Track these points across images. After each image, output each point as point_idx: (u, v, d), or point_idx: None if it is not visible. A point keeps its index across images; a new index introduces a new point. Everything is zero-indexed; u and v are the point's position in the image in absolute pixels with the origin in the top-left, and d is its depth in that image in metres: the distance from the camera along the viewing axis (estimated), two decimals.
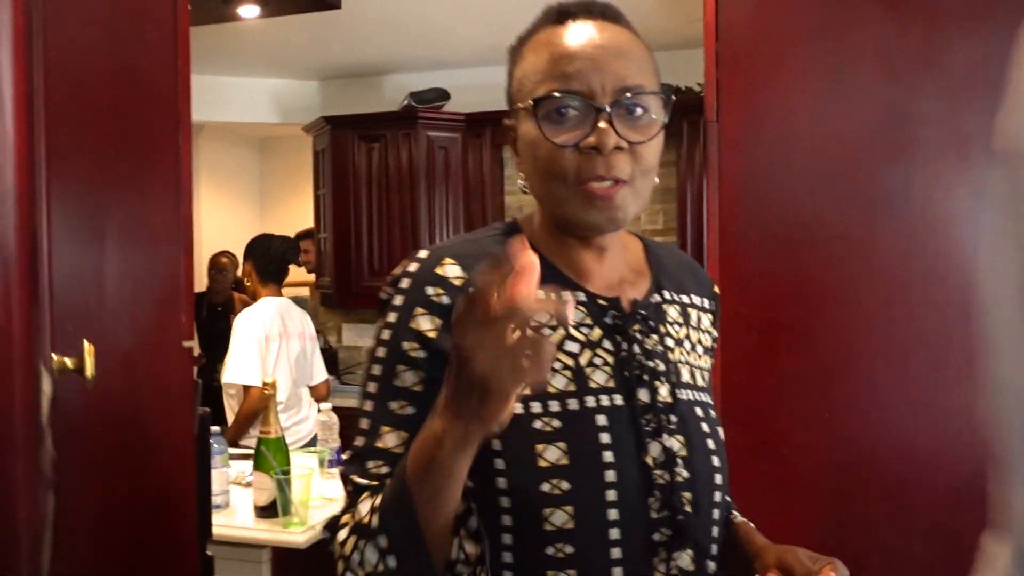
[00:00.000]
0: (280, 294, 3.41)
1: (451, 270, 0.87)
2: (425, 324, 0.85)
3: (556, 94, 0.84)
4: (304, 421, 3.38)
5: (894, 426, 1.52)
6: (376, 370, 0.87)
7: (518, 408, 0.82)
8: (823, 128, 1.55)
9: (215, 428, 2.41)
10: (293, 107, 5.03)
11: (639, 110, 0.85)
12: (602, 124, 0.83)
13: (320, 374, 3.56)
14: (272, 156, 6.33)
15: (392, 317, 0.87)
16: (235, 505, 2.39)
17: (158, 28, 1.54)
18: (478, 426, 0.71)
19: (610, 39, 0.86)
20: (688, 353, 0.95)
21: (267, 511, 2.22)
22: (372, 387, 0.87)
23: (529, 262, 0.65)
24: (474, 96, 4.56)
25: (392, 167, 4.43)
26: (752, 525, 1.02)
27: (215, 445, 2.30)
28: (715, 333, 1.03)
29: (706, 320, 1.01)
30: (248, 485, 2.46)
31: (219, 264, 4.78)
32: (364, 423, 0.87)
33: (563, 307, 0.66)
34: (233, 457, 2.64)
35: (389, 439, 0.84)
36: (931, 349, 1.51)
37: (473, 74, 4.66)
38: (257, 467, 2.24)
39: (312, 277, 5.02)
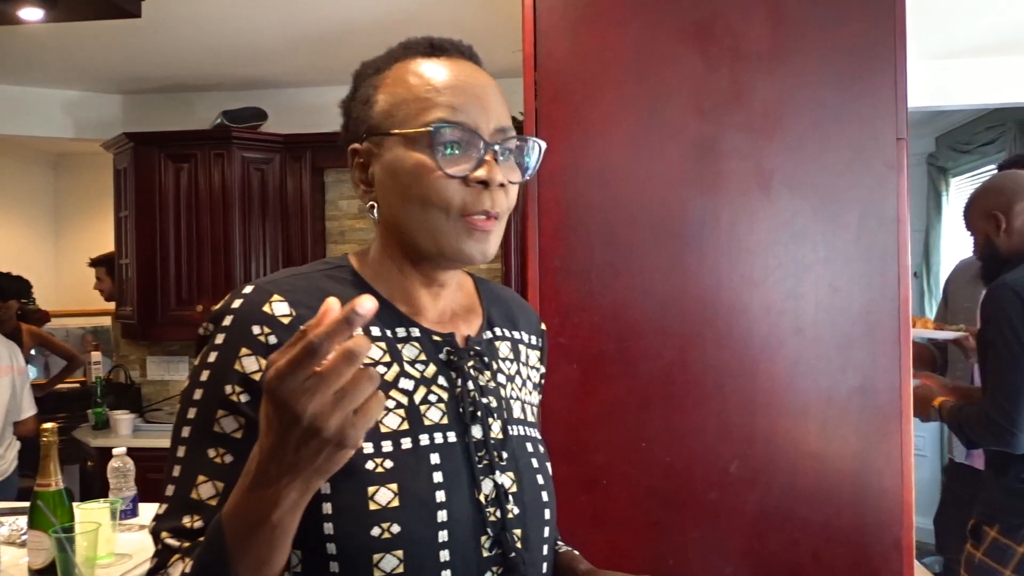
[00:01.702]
0: None
1: (279, 308, 0.82)
2: (251, 365, 0.79)
3: (445, 126, 0.84)
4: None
5: (708, 453, 1.56)
6: (191, 413, 0.80)
7: None
8: (639, 161, 1.58)
9: None
10: (92, 122, 4.62)
11: (516, 152, 0.90)
12: (488, 160, 0.85)
13: (28, 409, 3.47)
14: (68, 174, 5.82)
15: (212, 356, 0.81)
16: (7, 569, 2.10)
17: None
18: (320, 478, 0.66)
19: (487, 81, 0.90)
20: (519, 389, 0.97)
21: (45, 574, 1.96)
22: (186, 431, 0.80)
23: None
24: (294, 117, 4.39)
25: (203, 188, 4.16)
26: (576, 552, 1.03)
27: None
28: (542, 369, 1.05)
29: (534, 356, 1.03)
30: (22, 545, 2.17)
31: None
32: (176, 470, 0.80)
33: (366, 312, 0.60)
34: (4, 512, 2.33)
35: (204, 490, 0.78)
36: (739, 377, 1.56)
37: (293, 95, 4.49)
38: (33, 524, 1.97)
39: (112, 306, 4.62)
